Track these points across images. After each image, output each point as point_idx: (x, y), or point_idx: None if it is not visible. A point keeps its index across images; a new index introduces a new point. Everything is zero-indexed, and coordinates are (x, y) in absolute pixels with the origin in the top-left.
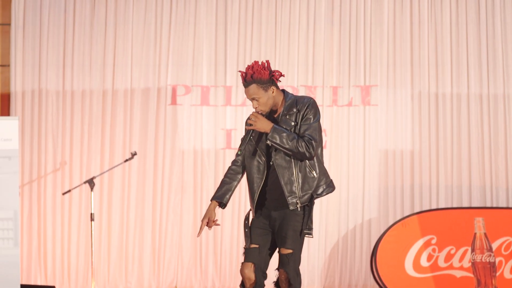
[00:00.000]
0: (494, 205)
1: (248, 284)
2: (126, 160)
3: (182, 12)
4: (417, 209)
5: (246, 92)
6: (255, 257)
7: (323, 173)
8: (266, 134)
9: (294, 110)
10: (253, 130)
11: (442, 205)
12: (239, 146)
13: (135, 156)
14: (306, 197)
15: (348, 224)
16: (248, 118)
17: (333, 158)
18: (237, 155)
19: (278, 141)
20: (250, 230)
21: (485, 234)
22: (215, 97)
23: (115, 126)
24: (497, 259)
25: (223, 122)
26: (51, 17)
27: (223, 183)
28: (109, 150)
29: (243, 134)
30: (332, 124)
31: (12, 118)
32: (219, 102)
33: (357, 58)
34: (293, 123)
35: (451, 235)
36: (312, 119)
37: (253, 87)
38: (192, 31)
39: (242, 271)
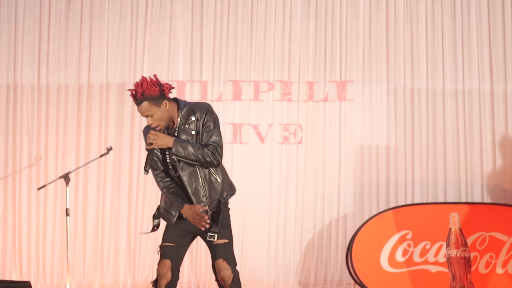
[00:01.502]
0: (469, 201)
1: (165, 283)
2: (102, 155)
3: (158, 7)
4: (392, 204)
5: (139, 110)
6: (172, 255)
7: (225, 176)
8: (170, 149)
9: (193, 118)
10: (148, 162)
11: (417, 200)
12: (144, 166)
13: (110, 151)
14: (214, 203)
15: (324, 219)
16: (148, 138)
17: (308, 154)
18: (145, 172)
19: (183, 154)
20: (168, 228)
21: (460, 229)
22: (191, 92)
23: (91, 121)
24: (472, 254)
25: None
26: (26, 12)
27: (175, 193)
28: (84, 145)
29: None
30: (308, 120)
31: None
32: (194, 97)
33: (333, 54)
34: (193, 132)
35: (426, 230)
36: (212, 126)
37: (145, 104)
38: (168, 26)
39: (159, 269)
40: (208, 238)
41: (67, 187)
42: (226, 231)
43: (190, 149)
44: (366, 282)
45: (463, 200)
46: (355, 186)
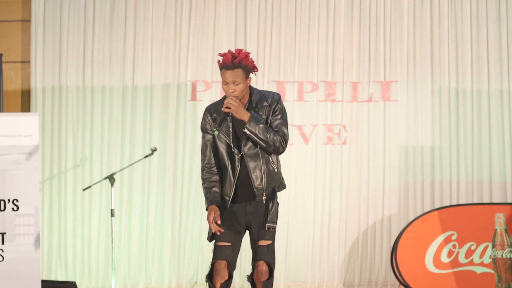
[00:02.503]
0: None
1: (220, 282)
2: (146, 156)
3: (202, 8)
4: (437, 205)
5: (229, 74)
6: (228, 254)
7: (280, 168)
8: (242, 123)
9: (265, 103)
10: (221, 123)
11: (462, 200)
12: (217, 126)
13: (155, 152)
14: (269, 190)
15: (368, 220)
16: (226, 102)
17: (353, 154)
18: (216, 132)
19: (255, 131)
20: (223, 227)
21: (505, 230)
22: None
23: (135, 122)
24: None
25: None
26: (71, 13)
27: (209, 188)
28: (129, 146)
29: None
30: (352, 120)
31: (33, 114)
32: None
33: (377, 54)
34: (264, 117)
35: (472, 231)
36: (281, 116)
37: (239, 71)
38: (212, 27)
39: (216, 269)
40: (266, 229)
41: (112, 188)
42: (271, 232)
43: (263, 128)
44: (411, 283)
45: (509, 200)
46: (400, 186)
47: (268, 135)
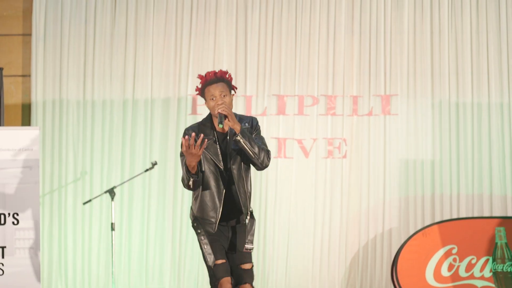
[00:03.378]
0: None
1: None
2: (147, 170)
3: (203, 22)
4: (437, 219)
5: (215, 88)
6: (228, 270)
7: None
8: (232, 135)
9: (247, 124)
10: (203, 141)
11: (463, 214)
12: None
13: (155, 166)
14: (249, 211)
15: (369, 234)
16: (219, 104)
17: (353, 168)
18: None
19: (246, 140)
20: (214, 245)
21: (506, 244)
22: (235, 107)
23: (136, 136)
24: None
25: None
26: (72, 28)
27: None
28: (129, 160)
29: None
30: (353, 134)
31: (33, 128)
32: (239, 111)
33: (377, 67)
34: None
35: (472, 245)
36: (261, 136)
37: (223, 84)
38: (212, 41)
39: (223, 287)
40: (245, 250)
41: (112, 202)
42: (251, 254)
43: (253, 138)
44: None
45: (510, 214)
46: (400, 200)
47: (257, 146)
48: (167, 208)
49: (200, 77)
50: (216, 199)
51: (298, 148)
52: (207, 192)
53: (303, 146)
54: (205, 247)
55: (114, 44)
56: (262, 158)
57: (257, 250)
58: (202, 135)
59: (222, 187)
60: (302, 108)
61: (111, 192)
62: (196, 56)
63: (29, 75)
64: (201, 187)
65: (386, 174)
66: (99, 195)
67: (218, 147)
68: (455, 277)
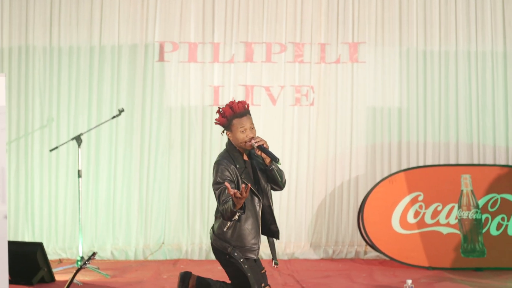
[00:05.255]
0: (481, 162)
1: None
2: (114, 117)
3: None
4: (404, 166)
5: (246, 120)
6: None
7: None
8: (264, 166)
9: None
10: (242, 172)
11: (429, 162)
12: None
13: (122, 113)
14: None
15: (336, 181)
16: (256, 140)
17: (321, 115)
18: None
19: (277, 168)
20: (258, 273)
21: (472, 191)
22: (202, 54)
23: (103, 82)
24: (484, 216)
25: (210, 79)
26: None
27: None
28: (96, 107)
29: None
30: (320, 81)
31: None
32: (206, 58)
33: (345, 15)
34: (261, 161)
35: (438, 192)
36: None
37: (250, 116)
38: None
39: None
40: (273, 266)
41: (79, 149)
42: None
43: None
44: (377, 244)
45: (475, 162)
46: (367, 147)
47: (282, 172)
48: (134, 155)
49: (225, 109)
50: (256, 226)
51: (266, 96)
52: (247, 220)
53: (271, 93)
54: (249, 274)
55: None
56: (284, 181)
57: None
58: (249, 185)
59: (258, 211)
60: (270, 56)
61: (78, 139)
62: (164, 2)
63: None
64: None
65: (353, 121)
66: (66, 142)
67: (251, 174)
68: (421, 223)
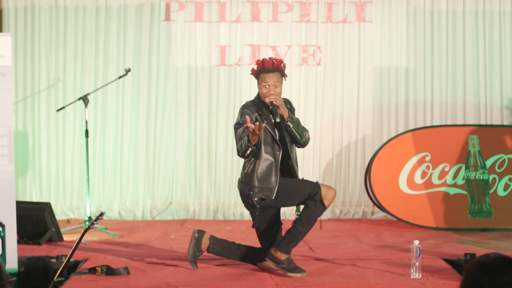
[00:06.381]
0: (489, 123)
1: None
2: (120, 77)
3: None
4: (411, 126)
5: (270, 77)
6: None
7: None
8: (282, 120)
9: (288, 106)
10: (265, 120)
11: (436, 122)
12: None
13: (129, 73)
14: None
15: (343, 141)
16: (271, 98)
17: (327, 75)
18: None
19: (295, 125)
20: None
21: (479, 151)
22: (209, 13)
23: (109, 42)
24: (491, 177)
25: (217, 39)
26: None
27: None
28: (103, 67)
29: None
30: (327, 41)
31: (5, 34)
32: (213, 18)
33: None
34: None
35: (445, 153)
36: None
37: (277, 75)
38: None
39: None
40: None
41: (86, 109)
42: None
43: (299, 123)
44: (384, 204)
45: (483, 122)
46: (374, 107)
47: (302, 129)
48: (140, 115)
49: (257, 62)
50: (274, 169)
51: (272, 55)
52: (266, 162)
53: (277, 53)
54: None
55: None
56: (305, 139)
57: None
58: (264, 125)
59: (278, 156)
60: (277, 15)
61: (85, 99)
62: None
63: None
64: (260, 157)
65: (360, 81)
66: (73, 102)
67: (274, 123)
68: (428, 184)
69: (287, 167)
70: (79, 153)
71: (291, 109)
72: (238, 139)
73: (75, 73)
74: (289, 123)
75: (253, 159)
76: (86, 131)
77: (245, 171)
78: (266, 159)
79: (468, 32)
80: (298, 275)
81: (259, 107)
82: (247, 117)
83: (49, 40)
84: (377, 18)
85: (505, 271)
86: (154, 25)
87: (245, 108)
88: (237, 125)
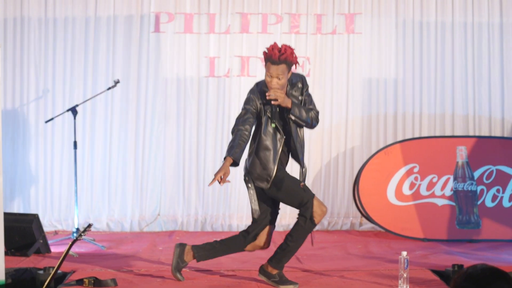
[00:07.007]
0: (477, 134)
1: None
2: (109, 88)
3: None
4: (400, 138)
5: (274, 69)
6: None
7: None
8: (286, 109)
9: (300, 85)
10: (270, 107)
11: (424, 133)
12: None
13: (118, 84)
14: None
15: (331, 152)
16: (269, 95)
17: (316, 86)
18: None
19: (298, 115)
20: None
21: (467, 162)
22: (198, 25)
23: (98, 53)
24: (479, 188)
25: (206, 50)
26: None
27: (239, 144)
28: (92, 78)
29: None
30: (316, 52)
31: None
32: (202, 29)
33: None
34: (300, 98)
35: (434, 164)
36: (310, 94)
37: (283, 67)
38: None
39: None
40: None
41: (75, 120)
42: None
43: (303, 110)
44: (372, 215)
45: (471, 133)
46: (363, 119)
47: (307, 116)
48: (129, 127)
49: (268, 49)
50: (273, 158)
51: (262, 67)
52: (265, 151)
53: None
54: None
55: None
56: (311, 124)
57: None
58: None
59: (278, 147)
60: (266, 27)
61: (74, 110)
62: None
63: None
64: (260, 147)
65: (349, 92)
66: (62, 114)
67: (278, 112)
68: (416, 195)
69: (293, 150)
70: (68, 165)
71: (303, 88)
72: (236, 124)
73: (64, 84)
74: (291, 115)
75: (254, 148)
76: (75, 143)
77: (248, 161)
78: (266, 148)
79: (456, 44)
80: (291, 287)
81: (262, 94)
82: (216, 177)
83: (38, 51)
84: (366, 29)
85: (492, 282)
86: (143, 37)
87: (251, 94)
88: (244, 109)
